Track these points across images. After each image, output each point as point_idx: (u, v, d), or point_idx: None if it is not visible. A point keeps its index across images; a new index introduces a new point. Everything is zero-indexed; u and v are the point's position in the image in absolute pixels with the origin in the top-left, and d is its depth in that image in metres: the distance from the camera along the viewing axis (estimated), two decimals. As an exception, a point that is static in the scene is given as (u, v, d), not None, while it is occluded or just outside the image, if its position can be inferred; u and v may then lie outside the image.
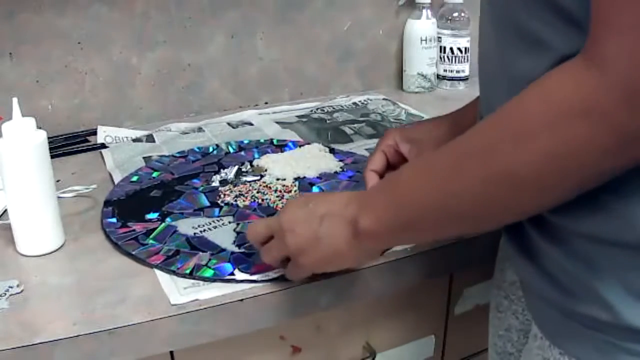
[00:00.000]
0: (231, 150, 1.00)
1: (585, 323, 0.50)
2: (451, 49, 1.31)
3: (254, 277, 0.66)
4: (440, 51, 1.32)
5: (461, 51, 1.30)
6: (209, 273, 0.68)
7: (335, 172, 0.92)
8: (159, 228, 0.77)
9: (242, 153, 0.99)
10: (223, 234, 0.75)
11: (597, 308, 0.48)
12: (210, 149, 1.01)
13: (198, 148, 1.01)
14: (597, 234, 0.48)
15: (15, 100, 0.70)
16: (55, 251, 0.74)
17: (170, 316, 0.62)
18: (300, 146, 1.01)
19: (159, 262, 0.70)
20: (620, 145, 0.42)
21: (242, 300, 0.65)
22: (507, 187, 0.47)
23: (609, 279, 0.48)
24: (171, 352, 0.68)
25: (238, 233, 0.76)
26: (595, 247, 0.48)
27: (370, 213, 0.56)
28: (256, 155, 0.98)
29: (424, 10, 1.28)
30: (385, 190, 0.57)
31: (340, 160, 0.95)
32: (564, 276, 0.50)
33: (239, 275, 0.67)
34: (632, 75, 0.40)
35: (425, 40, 1.29)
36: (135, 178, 0.91)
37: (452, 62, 1.31)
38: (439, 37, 1.31)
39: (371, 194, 0.59)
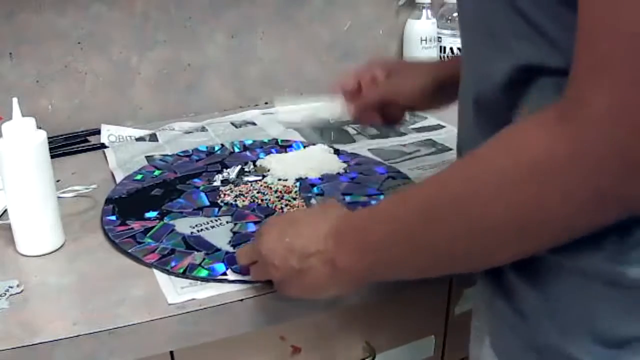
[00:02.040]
0: (236, 150, 1.00)
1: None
2: (451, 49, 1.31)
3: (247, 278, 0.66)
4: (440, 51, 1.32)
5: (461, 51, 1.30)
6: (203, 273, 0.68)
7: (338, 174, 0.92)
8: (156, 227, 0.77)
9: (247, 153, 0.99)
10: (219, 234, 0.75)
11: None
12: (216, 149, 1.01)
13: (204, 147, 1.01)
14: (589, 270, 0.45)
15: (15, 100, 0.70)
16: (55, 251, 0.74)
17: (170, 316, 0.62)
18: (304, 147, 1.01)
19: (153, 260, 0.70)
20: (598, 209, 0.40)
21: (242, 300, 0.65)
22: (472, 244, 0.46)
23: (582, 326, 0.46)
24: (171, 352, 0.68)
25: (235, 233, 0.76)
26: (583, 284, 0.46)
27: (346, 253, 0.54)
28: (261, 156, 0.98)
29: (424, 10, 1.28)
30: (359, 231, 0.55)
31: (344, 162, 0.95)
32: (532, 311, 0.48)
33: (232, 275, 0.67)
34: (627, 144, 0.37)
35: (425, 40, 1.29)
36: (139, 177, 0.91)
37: (452, 62, 1.31)
38: (439, 37, 1.31)
39: (346, 232, 0.56)
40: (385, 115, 0.80)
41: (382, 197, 0.85)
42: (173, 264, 0.69)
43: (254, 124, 1.15)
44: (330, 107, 0.77)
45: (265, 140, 1.04)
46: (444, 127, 1.11)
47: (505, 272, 0.50)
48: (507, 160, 0.42)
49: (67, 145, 1.06)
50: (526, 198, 0.41)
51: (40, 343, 0.59)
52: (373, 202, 0.83)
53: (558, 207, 0.40)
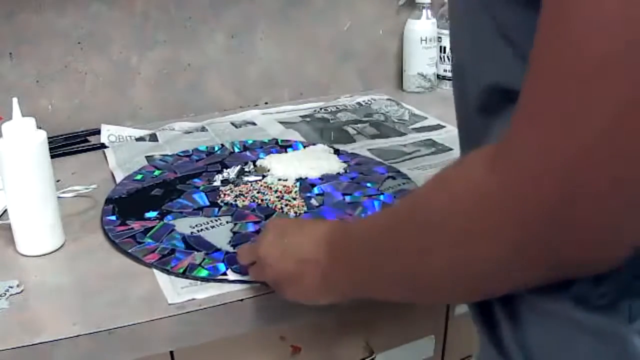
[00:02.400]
0: (236, 150, 1.00)
1: None
2: (451, 49, 1.30)
3: (246, 278, 0.66)
4: (441, 51, 1.32)
5: (461, 51, 1.30)
6: (203, 273, 0.68)
7: (338, 174, 0.92)
8: (156, 227, 0.77)
9: (247, 153, 0.99)
10: (219, 234, 0.75)
11: None
12: (216, 149, 1.01)
13: (204, 147, 1.01)
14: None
15: (15, 100, 0.70)
16: (55, 251, 0.74)
17: (170, 316, 0.62)
18: (304, 147, 1.01)
19: (153, 260, 0.70)
20: (524, 258, 0.37)
21: (242, 300, 0.65)
22: (417, 281, 0.46)
23: None
24: (171, 352, 0.68)
25: (235, 233, 0.76)
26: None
27: (336, 270, 0.54)
28: (261, 156, 0.98)
29: (424, 10, 1.28)
30: (346, 240, 0.54)
31: (345, 162, 0.95)
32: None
33: (232, 275, 0.67)
34: (533, 183, 0.34)
35: (425, 40, 1.29)
36: (139, 177, 0.91)
37: (452, 62, 1.31)
38: (439, 37, 1.31)
39: (337, 247, 0.55)
40: None
41: (382, 197, 0.85)
42: (173, 264, 0.69)
43: (254, 124, 1.15)
44: None
45: (265, 140, 1.04)
46: (444, 127, 1.11)
47: (492, 301, 0.49)
48: (440, 200, 0.42)
49: (67, 145, 1.06)
50: (457, 238, 0.40)
51: (40, 343, 0.59)
52: (373, 202, 0.83)
53: (486, 251, 0.38)
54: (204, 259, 0.70)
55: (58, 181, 0.87)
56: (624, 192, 0.33)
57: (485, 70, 0.47)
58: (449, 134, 1.08)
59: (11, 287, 0.66)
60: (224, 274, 0.68)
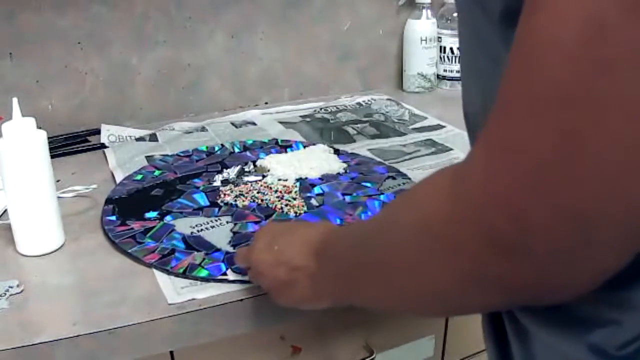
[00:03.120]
0: (236, 150, 1.00)
1: None
2: (451, 49, 1.31)
3: (246, 278, 0.66)
4: (441, 51, 1.32)
5: (461, 51, 1.30)
6: (203, 273, 0.68)
7: (338, 174, 0.92)
8: (156, 227, 0.77)
9: (247, 153, 0.99)
10: (219, 234, 0.75)
11: None
12: (216, 149, 1.01)
13: (204, 147, 1.01)
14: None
15: (15, 100, 0.70)
16: (55, 251, 0.74)
17: (170, 316, 0.62)
18: (304, 147, 1.01)
19: (153, 260, 0.70)
20: (479, 281, 0.36)
21: (242, 300, 0.65)
22: (385, 287, 0.46)
23: None
24: (171, 352, 0.68)
25: (235, 233, 0.76)
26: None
27: (326, 277, 0.54)
28: (261, 156, 0.98)
29: (424, 10, 1.28)
30: (332, 248, 0.54)
31: (345, 162, 0.95)
32: None
33: (232, 275, 0.67)
34: (484, 207, 0.34)
35: (425, 40, 1.29)
36: (139, 177, 0.91)
37: (452, 62, 1.31)
38: (439, 37, 1.31)
39: (328, 249, 0.55)
40: None
41: (382, 197, 0.85)
42: (173, 264, 0.69)
43: (254, 124, 1.15)
44: None
45: (265, 140, 1.04)
46: (444, 127, 1.11)
47: (502, 316, 0.49)
48: (403, 215, 0.42)
49: (67, 145, 1.06)
50: (416, 259, 0.40)
51: (40, 343, 0.59)
52: (373, 202, 0.83)
53: (441, 274, 0.38)
54: (204, 259, 0.70)
55: (58, 181, 0.87)
56: (568, 221, 0.32)
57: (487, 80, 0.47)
58: (449, 134, 1.08)
59: (11, 287, 0.66)
60: (224, 274, 0.68)
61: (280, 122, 1.15)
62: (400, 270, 0.43)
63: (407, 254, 0.41)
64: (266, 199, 0.84)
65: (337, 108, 1.22)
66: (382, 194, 0.85)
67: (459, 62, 1.30)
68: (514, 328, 0.47)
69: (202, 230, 0.76)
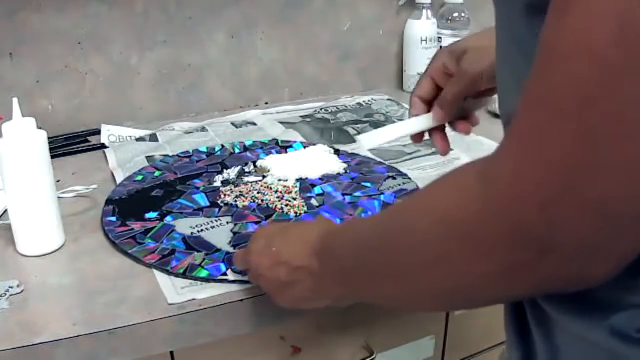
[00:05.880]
0: (236, 151, 1.00)
1: None
2: (451, 49, 1.30)
3: (246, 278, 0.66)
4: (441, 51, 1.32)
5: (461, 51, 1.30)
6: (203, 273, 0.68)
7: (338, 174, 0.92)
8: (156, 227, 0.77)
9: (247, 153, 0.99)
10: (219, 234, 0.75)
11: None
12: (216, 149, 1.01)
13: (204, 148, 1.01)
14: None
15: (15, 100, 0.70)
16: (55, 251, 0.74)
17: (170, 316, 0.62)
18: (304, 147, 1.01)
19: (153, 260, 0.70)
20: (505, 275, 0.38)
21: (242, 300, 0.65)
22: (398, 286, 0.46)
23: None
24: (171, 352, 0.68)
25: (235, 233, 0.76)
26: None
27: (328, 276, 0.54)
28: (261, 156, 0.98)
29: (424, 10, 1.28)
30: (337, 256, 0.54)
31: (345, 162, 0.95)
32: None
33: (232, 275, 0.67)
34: (513, 204, 0.35)
35: (425, 40, 1.29)
36: (139, 177, 0.91)
37: (452, 62, 1.31)
38: (439, 37, 1.31)
39: (328, 253, 0.54)
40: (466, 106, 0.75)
41: (382, 197, 0.85)
42: (173, 264, 0.69)
43: (254, 124, 1.15)
44: (416, 122, 0.71)
45: (265, 141, 1.04)
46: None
47: (525, 311, 0.49)
48: (420, 216, 0.42)
49: (67, 145, 1.06)
50: (431, 256, 0.41)
51: (40, 343, 0.59)
52: (373, 202, 0.83)
53: (470, 268, 0.39)
54: (204, 259, 0.70)
55: (58, 181, 0.87)
56: (596, 215, 0.33)
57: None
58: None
59: (11, 287, 0.66)
60: (224, 274, 0.68)
61: (281, 122, 1.15)
62: (417, 271, 0.43)
63: (426, 254, 0.41)
64: (266, 199, 0.84)
65: (337, 108, 1.22)
66: (382, 194, 0.85)
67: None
68: (536, 315, 0.47)
69: (202, 230, 0.76)
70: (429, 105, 0.74)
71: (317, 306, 0.58)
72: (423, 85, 0.73)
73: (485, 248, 0.37)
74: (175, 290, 0.65)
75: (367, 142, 0.68)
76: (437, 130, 0.74)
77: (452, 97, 0.70)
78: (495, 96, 0.70)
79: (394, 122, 1.15)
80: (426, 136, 0.76)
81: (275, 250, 0.58)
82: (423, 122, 0.72)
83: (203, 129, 1.12)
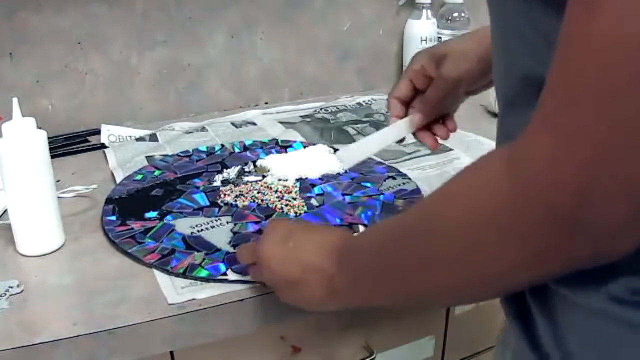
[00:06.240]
0: (236, 150, 1.00)
1: None
2: (451, 49, 1.30)
3: (246, 278, 0.66)
4: (441, 51, 1.32)
5: (461, 51, 1.30)
6: (203, 273, 0.68)
7: (338, 174, 0.92)
8: (156, 227, 0.77)
9: (247, 153, 0.99)
10: (219, 234, 0.75)
11: None
12: (216, 149, 1.01)
13: (204, 148, 1.01)
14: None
15: (15, 100, 0.70)
16: (55, 251, 0.74)
17: (170, 316, 0.62)
18: (304, 147, 1.01)
19: (153, 260, 0.70)
20: (537, 259, 0.39)
21: (242, 300, 0.65)
22: (426, 283, 0.46)
23: None
24: (171, 352, 0.68)
25: (235, 233, 0.76)
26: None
27: (346, 277, 0.54)
28: (261, 156, 0.98)
29: (424, 10, 1.28)
30: (352, 252, 0.54)
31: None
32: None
33: (232, 275, 0.67)
34: (548, 189, 0.36)
35: (425, 40, 1.29)
36: (139, 176, 0.91)
37: (452, 62, 1.31)
38: (439, 37, 1.31)
39: (345, 256, 0.54)
40: (443, 107, 0.75)
41: (382, 197, 0.85)
42: (173, 264, 0.69)
43: (254, 124, 1.15)
44: (395, 129, 0.71)
45: (265, 141, 1.04)
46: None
47: (526, 297, 0.49)
48: (454, 204, 0.43)
49: (67, 145, 1.06)
50: (473, 243, 0.41)
51: (40, 343, 0.59)
52: (373, 202, 0.83)
53: (501, 254, 0.40)
54: (204, 259, 0.70)
55: (58, 181, 0.87)
56: (629, 198, 0.35)
57: (521, 63, 0.48)
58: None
59: (11, 287, 0.66)
60: (224, 274, 0.68)
61: (281, 122, 1.15)
62: (447, 262, 0.43)
63: (458, 244, 0.42)
64: (266, 199, 0.84)
65: (337, 108, 1.22)
66: (382, 194, 0.85)
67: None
68: (535, 290, 0.48)
69: (202, 230, 0.76)
70: (407, 106, 0.75)
71: (321, 310, 0.58)
72: (401, 87, 0.74)
73: (518, 234, 0.38)
74: (175, 290, 0.65)
75: (347, 161, 0.67)
76: (420, 128, 0.75)
77: (432, 102, 0.72)
78: (493, 96, 0.70)
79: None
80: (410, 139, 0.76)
81: (292, 246, 0.57)
82: (402, 128, 0.73)
83: (203, 129, 1.12)
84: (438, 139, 0.77)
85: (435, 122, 0.76)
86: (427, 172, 0.94)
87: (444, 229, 0.43)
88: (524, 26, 0.46)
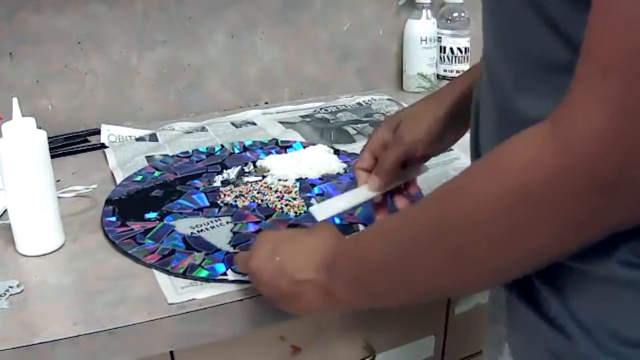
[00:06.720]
0: (236, 151, 1.00)
1: None
2: (451, 49, 1.31)
3: (247, 278, 0.66)
4: (440, 51, 1.32)
5: (461, 51, 1.30)
6: (203, 273, 0.68)
7: (338, 174, 0.92)
8: (156, 227, 0.77)
9: (247, 153, 0.99)
10: (219, 234, 0.75)
11: None
12: (215, 149, 1.01)
13: (204, 148, 1.01)
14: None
15: (15, 100, 0.70)
16: (55, 251, 0.74)
17: (170, 316, 0.62)
18: (304, 147, 1.01)
19: (154, 261, 0.70)
20: (577, 231, 0.40)
21: (242, 300, 0.65)
22: (460, 271, 0.45)
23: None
24: (171, 352, 0.68)
25: (235, 233, 0.76)
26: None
27: (343, 286, 0.53)
28: (261, 156, 0.98)
29: (424, 10, 1.28)
30: (353, 263, 0.54)
31: (344, 162, 0.95)
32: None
33: (232, 275, 0.67)
34: (596, 161, 0.37)
35: (425, 40, 1.29)
36: (139, 177, 0.91)
37: (452, 62, 1.31)
38: (439, 37, 1.31)
39: (341, 264, 0.54)
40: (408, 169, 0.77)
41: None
42: (173, 264, 0.69)
43: (254, 124, 1.15)
44: (363, 191, 0.73)
45: (265, 141, 1.04)
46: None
47: (531, 278, 0.49)
48: (492, 186, 0.42)
49: (67, 145, 1.06)
50: (513, 220, 0.41)
51: (40, 343, 0.59)
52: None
53: (546, 227, 0.40)
54: (204, 259, 0.70)
55: (58, 181, 0.87)
56: None
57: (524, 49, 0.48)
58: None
59: (11, 287, 0.66)
60: (224, 274, 0.68)
61: (281, 122, 1.15)
62: (486, 248, 0.43)
63: (499, 226, 0.42)
64: (266, 199, 0.84)
65: (337, 108, 1.22)
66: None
67: (458, 61, 1.30)
68: (546, 284, 0.48)
69: (202, 230, 0.76)
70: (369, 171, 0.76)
71: (325, 314, 0.58)
72: (365, 158, 0.76)
73: (564, 204, 0.39)
74: (175, 291, 0.65)
75: (320, 214, 0.71)
76: (395, 192, 0.76)
77: (389, 164, 0.73)
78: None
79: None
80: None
81: (279, 261, 0.57)
82: (368, 191, 0.74)
83: (203, 129, 1.12)
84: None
85: (406, 186, 0.77)
86: (426, 172, 0.94)
87: (484, 209, 0.42)
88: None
